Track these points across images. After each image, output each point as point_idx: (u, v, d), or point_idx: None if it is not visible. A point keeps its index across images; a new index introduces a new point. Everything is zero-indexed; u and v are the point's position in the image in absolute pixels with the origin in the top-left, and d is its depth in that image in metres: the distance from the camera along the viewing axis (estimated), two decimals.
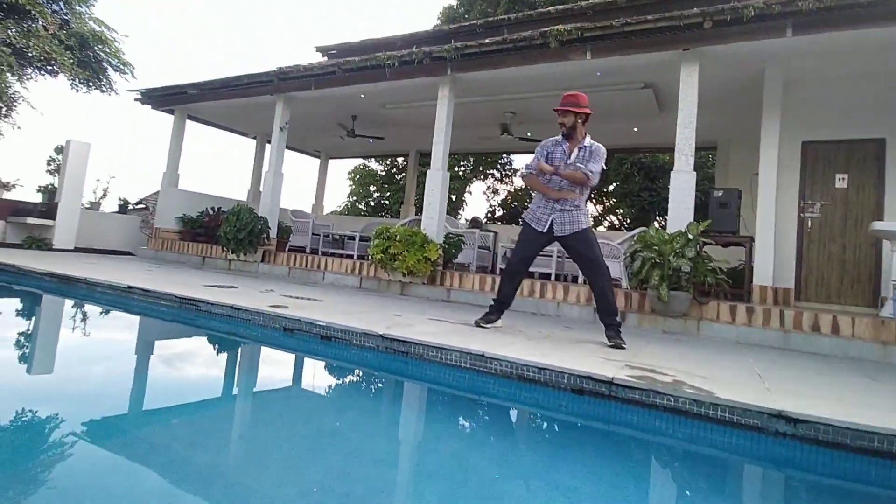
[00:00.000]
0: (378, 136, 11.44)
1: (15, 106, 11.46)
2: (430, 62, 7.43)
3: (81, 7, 12.32)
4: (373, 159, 20.91)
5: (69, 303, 5.39)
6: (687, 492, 2.05)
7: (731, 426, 2.40)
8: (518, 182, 20.54)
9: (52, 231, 10.04)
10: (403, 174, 18.74)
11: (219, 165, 36.67)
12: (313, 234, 9.78)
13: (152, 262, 9.30)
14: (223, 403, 2.72)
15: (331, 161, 15.16)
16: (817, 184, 6.56)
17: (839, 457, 2.20)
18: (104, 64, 12.84)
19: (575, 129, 4.14)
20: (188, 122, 11.38)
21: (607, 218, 19.25)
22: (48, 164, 11.96)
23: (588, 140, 4.16)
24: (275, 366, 3.75)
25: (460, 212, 20.54)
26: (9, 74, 10.70)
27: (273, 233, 9.28)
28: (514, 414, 2.96)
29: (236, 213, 8.77)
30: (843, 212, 6.40)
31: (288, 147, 10.61)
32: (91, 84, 12.83)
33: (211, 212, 10.95)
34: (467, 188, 21.28)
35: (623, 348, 3.81)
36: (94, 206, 11.64)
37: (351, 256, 8.84)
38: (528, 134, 10.41)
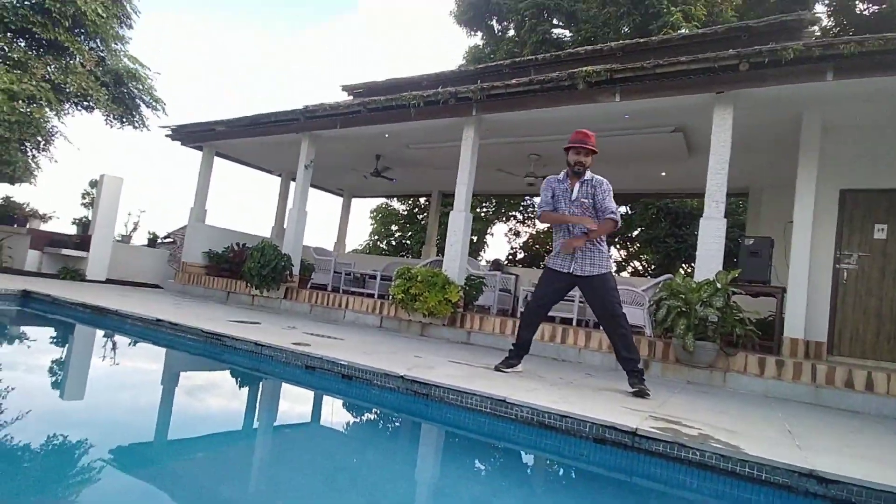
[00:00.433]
0: (390, 178, 11.56)
1: (53, 140, 11.95)
2: (455, 102, 7.51)
3: (117, 44, 12.93)
4: (395, 198, 21.23)
5: (100, 332, 5.52)
6: None
7: (759, 484, 2.32)
8: (540, 225, 20.60)
9: (86, 262, 10.35)
10: (425, 214, 18.97)
11: (244, 202, 37.55)
12: (335, 272, 9.90)
13: (179, 296, 9.49)
14: (244, 438, 2.73)
15: (354, 200, 15.46)
16: (855, 234, 6.36)
17: None
18: (137, 100, 13.36)
19: (583, 168, 4.14)
20: (216, 158, 11.73)
21: (631, 263, 19.07)
22: (83, 198, 12.44)
23: (588, 174, 4.16)
24: (296, 403, 3.77)
25: (481, 253, 20.58)
26: (47, 109, 11.24)
27: (296, 270, 9.41)
28: (534, 461, 2.91)
29: (260, 249, 8.94)
30: (882, 264, 6.18)
31: (312, 185, 10.86)
32: (125, 120, 13.38)
33: (236, 247, 11.20)
34: (489, 230, 21.39)
35: (647, 396, 3.73)
36: (126, 239, 12.00)
37: (372, 295, 8.90)
38: None
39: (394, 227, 22.46)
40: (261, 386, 4.12)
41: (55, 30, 11.11)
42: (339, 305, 8.45)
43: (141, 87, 13.23)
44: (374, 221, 22.67)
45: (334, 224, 15.02)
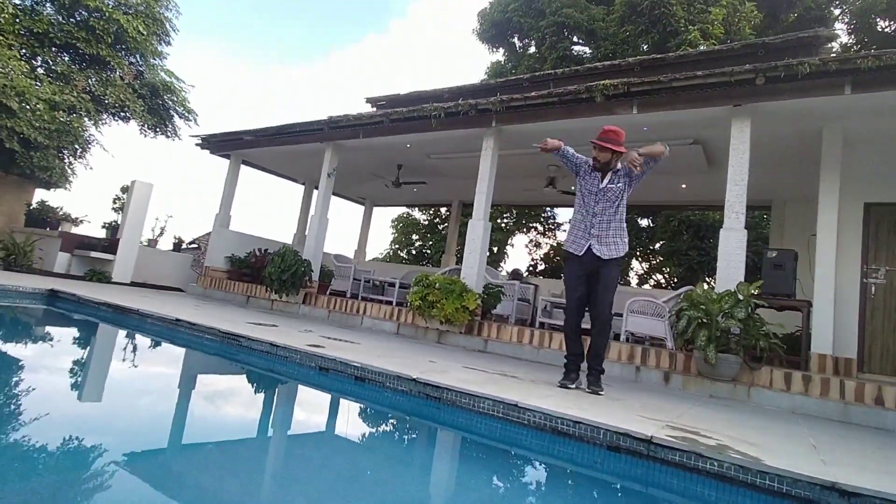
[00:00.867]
0: (421, 182, 11.68)
1: (89, 148, 12.42)
2: (475, 114, 7.61)
3: (155, 60, 13.46)
4: (416, 208, 21.34)
5: (122, 331, 5.64)
6: None
7: (778, 496, 2.23)
8: (561, 236, 20.44)
9: (112, 265, 10.60)
10: (446, 224, 19.00)
11: (268, 209, 38.19)
12: (354, 279, 9.95)
13: (199, 299, 9.63)
14: (256, 437, 2.74)
15: (375, 208, 15.57)
16: (882, 248, 6.20)
17: None
18: (171, 111, 13.85)
19: (608, 166, 4.15)
20: (242, 166, 11.98)
21: (653, 276, 18.77)
22: (114, 202, 12.82)
23: (619, 164, 4.24)
24: (308, 403, 3.77)
25: (501, 264, 20.50)
26: (86, 119, 11.68)
27: (315, 276, 9.49)
28: (546, 468, 2.84)
29: (281, 254, 9.04)
30: None
31: (334, 193, 10.98)
32: (158, 129, 13.82)
33: (258, 253, 11.34)
34: (509, 240, 21.32)
35: (601, 395, 3.88)
36: (152, 243, 12.28)
37: (390, 303, 8.91)
38: (572, 188, 10.43)
39: (414, 237, 22.57)
40: (274, 386, 4.14)
41: (98, 45, 11.69)
42: (356, 311, 8.47)
43: (175, 98, 13.72)
44: (395, 230, 22.81)
45: (355, 233, 15.16)
